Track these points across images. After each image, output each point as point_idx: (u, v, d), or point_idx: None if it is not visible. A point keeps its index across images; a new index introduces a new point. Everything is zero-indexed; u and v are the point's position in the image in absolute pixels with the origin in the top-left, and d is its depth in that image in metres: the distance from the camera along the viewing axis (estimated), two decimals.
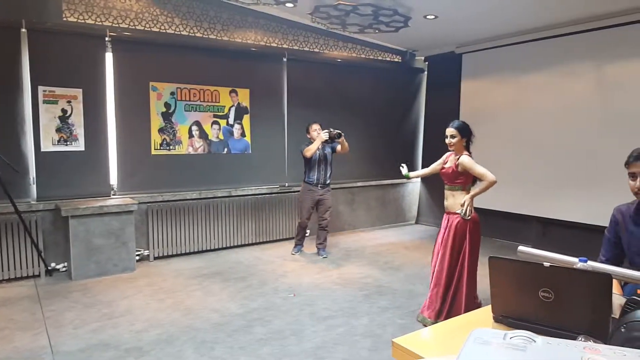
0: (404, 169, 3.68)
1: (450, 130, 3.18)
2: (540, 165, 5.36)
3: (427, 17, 4.99)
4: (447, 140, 3.20)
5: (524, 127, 5.52)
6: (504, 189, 5.72)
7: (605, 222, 2.00)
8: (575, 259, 1.38)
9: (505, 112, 5.74)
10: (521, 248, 1.56)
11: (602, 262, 1.88)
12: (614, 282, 1.42)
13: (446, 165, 3.29)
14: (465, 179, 3.19)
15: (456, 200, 3.20)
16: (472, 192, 3.14)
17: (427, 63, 6.96)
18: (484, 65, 5.97)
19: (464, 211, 3.11)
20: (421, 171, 3.80)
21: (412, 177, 3.81)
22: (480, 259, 4.94)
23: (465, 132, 3.19)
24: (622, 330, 1.01)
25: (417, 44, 6.56)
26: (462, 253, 3.18)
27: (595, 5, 4.47)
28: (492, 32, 5.58)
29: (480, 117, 6.04)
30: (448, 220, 3.25)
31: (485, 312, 1.51)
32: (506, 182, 5.70)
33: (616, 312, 1.38)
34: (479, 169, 3.09)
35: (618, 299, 1.44)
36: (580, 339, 1.15)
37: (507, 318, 1.33)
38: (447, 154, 3.35)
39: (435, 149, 6.74)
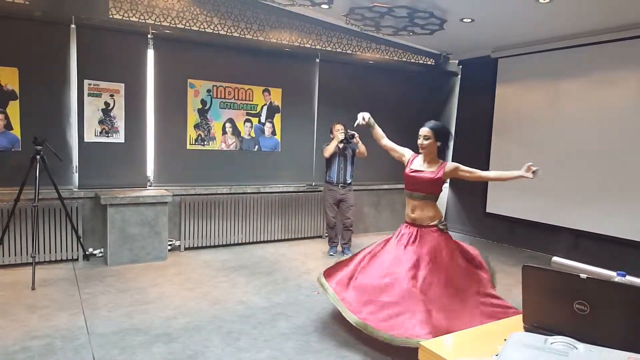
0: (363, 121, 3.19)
1: (424, 131, 3.00)
2: (574, 174, 5.20)
3: (464, 20, 4.93)
4: (419, 142, 3.02)
5: (558, 135, 5.37)
6: (535, 198, 5.62)
7: None
8: (613, 273, 1.34)
9: (540, 119, 5.60)
10: (555, 259, 1.53)
11: None
12: None
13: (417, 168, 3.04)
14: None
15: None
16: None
17: (460, 67, 6.86)
18: (520, 71, 5.84)
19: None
20: (386, 140, 3.31)
21: (377, 131, 3.30)
22: (505, 268, 4.88)
23: (442, 136, 3.01)
24: None
25: (451, 47, 6.48)
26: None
27: (636, 13, 4.30)
28: (529, 37, 5.45)
29: (514, 123, 5.92)
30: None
31: (514, 321, 1.50)
32: (538, 190, 5.58)
33: None
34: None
35: None
36: None
37: (538, 328, 1.30)
38: (413, 154, 3.16)
39: (466, 154, 6.70)
